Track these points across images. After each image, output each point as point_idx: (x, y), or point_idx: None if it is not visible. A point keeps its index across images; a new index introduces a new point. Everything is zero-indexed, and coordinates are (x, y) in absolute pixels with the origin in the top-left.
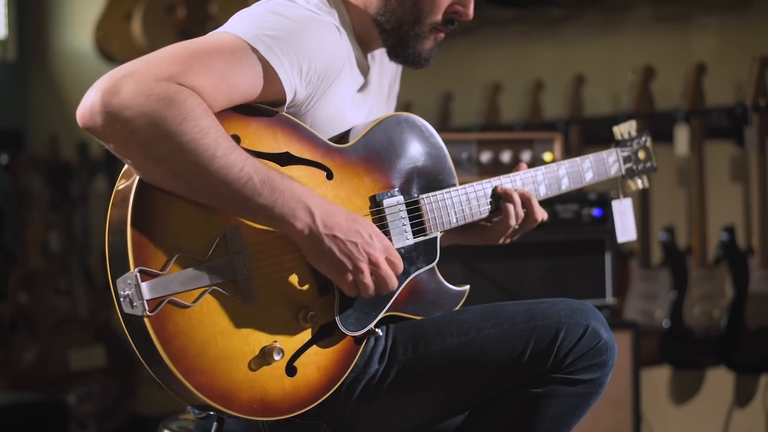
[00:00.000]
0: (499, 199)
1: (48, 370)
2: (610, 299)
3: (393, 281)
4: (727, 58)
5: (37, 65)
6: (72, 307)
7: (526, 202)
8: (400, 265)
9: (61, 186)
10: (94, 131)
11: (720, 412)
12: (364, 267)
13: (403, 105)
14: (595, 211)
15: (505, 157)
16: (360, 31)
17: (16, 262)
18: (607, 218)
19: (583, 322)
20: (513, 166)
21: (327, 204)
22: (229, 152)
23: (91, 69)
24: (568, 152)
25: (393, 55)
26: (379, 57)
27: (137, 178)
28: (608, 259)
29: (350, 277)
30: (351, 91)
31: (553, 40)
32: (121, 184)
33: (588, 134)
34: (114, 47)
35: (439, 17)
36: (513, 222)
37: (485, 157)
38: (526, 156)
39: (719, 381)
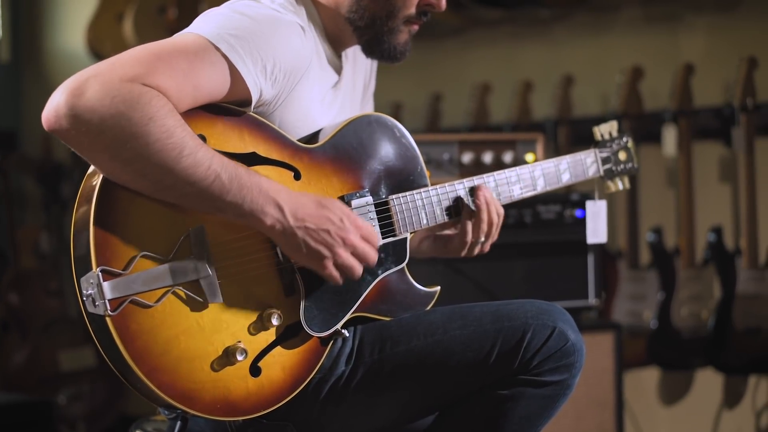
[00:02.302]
0: (465, 209)
1: (38, 370)
2: (592, 300)
3: (372, 256)
4: (715, 59)
5: (31, 66)
6: (62, 308)
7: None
8: (375, 239)
9: (52, 186)
10: (59, 134)
11: (709, 413)
12: (341, 251)
13: (393, 105)
14: (578, 212)
15: (487, 158)
16: (331, 29)
17: (8, 263)
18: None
19: (550, 323)
20: (495, 167)
21: (295, 195)
22: (195, 151)
23: None
24: (557, 152)
25: (368, 52)
26: (352, 56)
27: (101, 176)
28: (591, 260)
29: (329, 264)
30: (320, 91)
31: (542, 40)
32: (86, 183)
33: (576, 135)
34: (106, 48)
35: (412, 10)
36: (469, 237)
37: (467, 158)
38: (508, 157)
39: (708, 382)
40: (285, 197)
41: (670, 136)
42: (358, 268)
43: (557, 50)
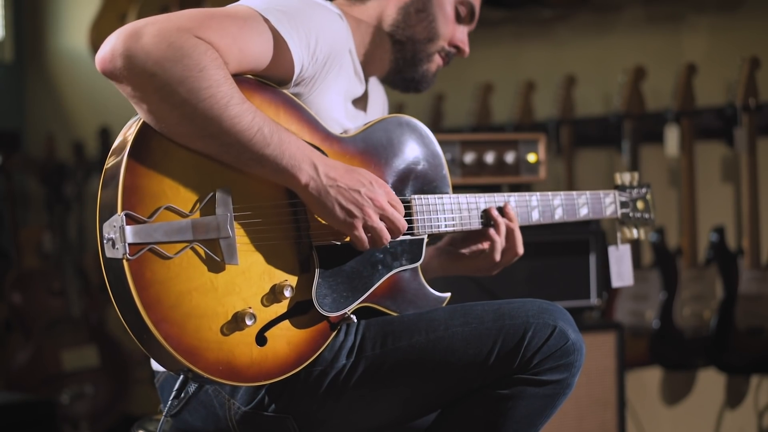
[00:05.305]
0: (487, 224)
1: (41, 370)
2: (594, 300)
3: (401, 221)
4: (717, 59)
5: (34, 66)
6: (65, 308)
7: (509, 233)
8: (401, 206)
9: (55, 187)
10: (112, 74)
11: (711, 413)
12: (371, 212)
13: (396, 106)
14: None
15: (489, 158)
16: (363, 47)
17: (11, 263)
18: (592, 220)
19: (551, 322)
20: (497, 168)
21: (327, 158)
22: (241, 102)
23: (87, 69)
24: (559, 152)
25: (396, 72)
26: (372, 86)
27: (138, 128)
28: (593, 260)
29: (359, 224)
30: (347, 91)
31: (545, 40)
32: (120, 138)
33: (579, 135)
34: None
35: (446, 43)
36: (497, 256)
37: (469, 158)
38: (510, 157)
39: (710, 382)
40: (318, 157)
41: (672, 136)
42: (386, 233)
43: (559, 50)
